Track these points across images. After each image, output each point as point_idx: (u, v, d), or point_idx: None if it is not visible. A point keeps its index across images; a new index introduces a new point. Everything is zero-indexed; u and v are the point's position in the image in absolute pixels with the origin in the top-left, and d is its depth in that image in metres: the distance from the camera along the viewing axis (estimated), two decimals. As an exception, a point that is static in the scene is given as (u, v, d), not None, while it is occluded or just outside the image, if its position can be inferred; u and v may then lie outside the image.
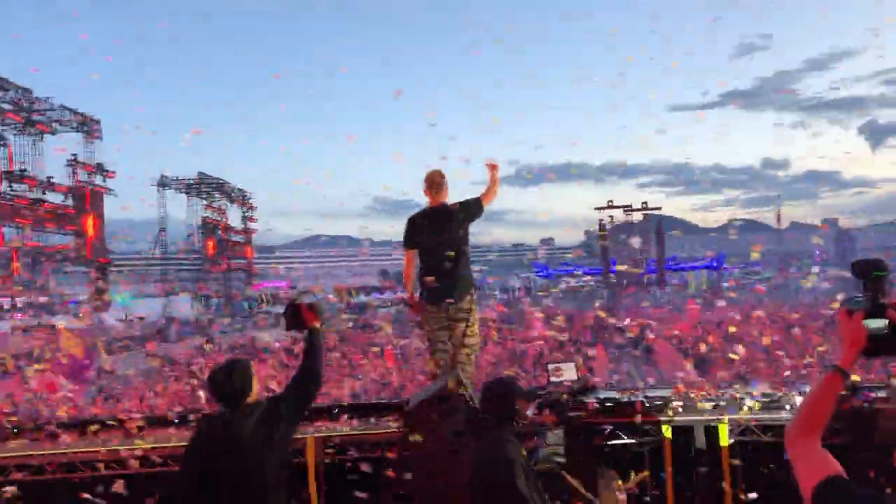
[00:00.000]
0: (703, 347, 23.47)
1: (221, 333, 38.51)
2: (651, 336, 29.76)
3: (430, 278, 5.11)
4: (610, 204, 49.56)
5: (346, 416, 5.67)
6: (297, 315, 3.52)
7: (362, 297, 57.40)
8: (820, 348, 21.06)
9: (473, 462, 3.24)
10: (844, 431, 4.58)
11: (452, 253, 5.13)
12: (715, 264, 67.54)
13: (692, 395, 5.07)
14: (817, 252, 69.17)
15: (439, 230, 5.21)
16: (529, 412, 4.06)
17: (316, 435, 5.20)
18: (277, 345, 27.85)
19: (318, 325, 3.50)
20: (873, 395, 4.70)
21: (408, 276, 5.57)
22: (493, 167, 5.54)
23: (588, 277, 62.05)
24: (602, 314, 37.06)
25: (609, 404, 5.13)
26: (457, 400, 4.45)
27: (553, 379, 5.62)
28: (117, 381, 22.52)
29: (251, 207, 54.69)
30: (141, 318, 42.21)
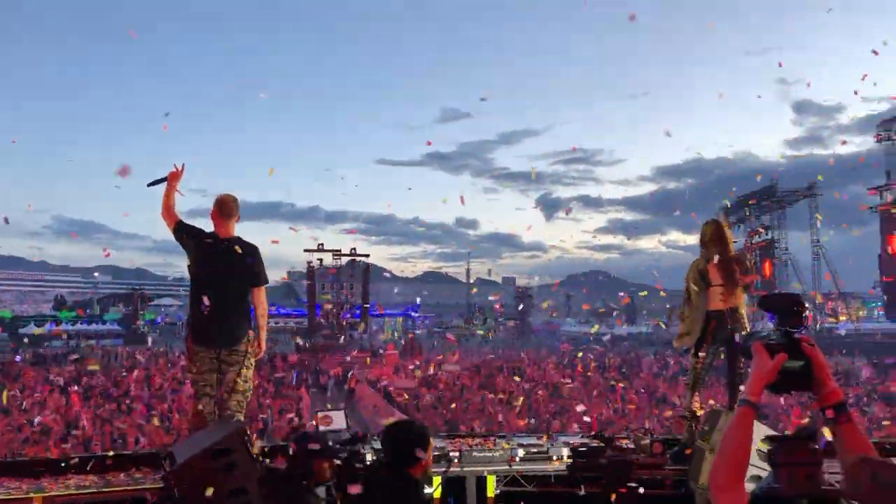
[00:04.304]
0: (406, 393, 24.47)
1: None
2: (353, 380, 30.31)
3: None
4: (320, 247, 49.90)
5: (74, 472, 4.83)
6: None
7: (33, 328, 50.86)
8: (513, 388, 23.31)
9: None
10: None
11: (239, 291, 4.70)
12: (411, 312, 71.45)
13: (466, 447, 5.14)
14: (497, 307, 76.79)
15: (234, 263, 4.71)
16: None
17: (44, 495, 4.33)
18: None
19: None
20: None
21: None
22: None
23: (290, 318, 61.43)
24: (301, 356, 36.86)
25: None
26: (239, 454, 4.00)
27: (322, 428, 5.36)
28: None
29: None
30: None
